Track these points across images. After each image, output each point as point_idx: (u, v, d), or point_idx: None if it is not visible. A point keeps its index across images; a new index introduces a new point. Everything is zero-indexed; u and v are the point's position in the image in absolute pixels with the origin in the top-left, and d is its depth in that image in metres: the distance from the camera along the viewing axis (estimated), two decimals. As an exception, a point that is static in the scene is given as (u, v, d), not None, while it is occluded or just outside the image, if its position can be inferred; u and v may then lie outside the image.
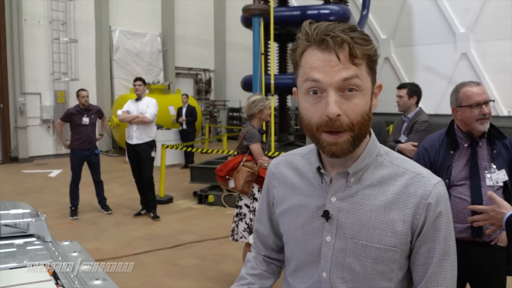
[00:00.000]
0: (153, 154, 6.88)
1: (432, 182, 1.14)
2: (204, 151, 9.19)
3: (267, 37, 9.01)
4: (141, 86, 6.82)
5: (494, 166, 2.48)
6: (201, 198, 7.84)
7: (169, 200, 7.97)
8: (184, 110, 11.82)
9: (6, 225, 2.18)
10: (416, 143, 4.04)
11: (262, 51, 7.99)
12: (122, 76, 15.51)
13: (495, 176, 2.46)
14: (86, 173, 7.10)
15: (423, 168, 1.20)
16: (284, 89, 11.37)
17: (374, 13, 16.88)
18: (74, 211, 6.95)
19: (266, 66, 9.80)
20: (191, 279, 4.58)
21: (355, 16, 13.70)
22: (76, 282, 1.72)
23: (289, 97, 13.89)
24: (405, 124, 4.40)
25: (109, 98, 15.18)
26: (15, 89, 12.98)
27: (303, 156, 1.32)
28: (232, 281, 4.43)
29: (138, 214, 7.02)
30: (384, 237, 1.13)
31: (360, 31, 1.09)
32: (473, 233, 2.47)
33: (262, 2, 8.63)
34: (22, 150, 13.16)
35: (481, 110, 2.45)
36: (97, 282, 1.75)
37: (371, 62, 1.10)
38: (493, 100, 2.53)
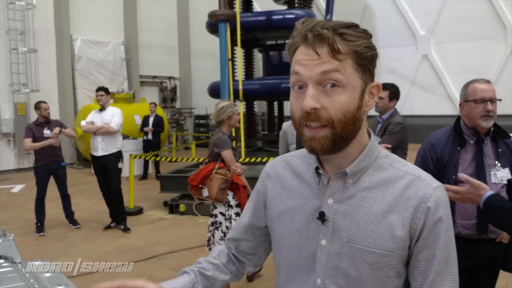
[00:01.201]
0: (120, 165, 6.70)
1: (433, 186, 1.10)
2: (173, 159, 9.05)
3: (233, 43, 8.97)
4: (103, 96, 6.63)
5: (499, 164, 2.50)
6: (172, 207, 7.70)
7: (139, 211, 7.79)
8: (151, 120, 11.53)
9: (-30, 247, 2.04)
10: (389, 145, 4.04)
11: (230, 57, 7.95)
12: (85, 86, 15.15)
13: (500, 174, 2.48)
14: (51, 187, 6.85)
15: (424, 172, 1.16)
16: (251, 95, 11.37)
17: (337, 17, 17.05)
18: (40, 227, 6.68)
19: (234, 72, 9.76)
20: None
21: (319, 21, 13.83)
22: (51, 306, 1.62)
23: (256, 102, 13.90)
24: (379, 125, 4.39)
25: (72, 108, 14.79)
26: (-28, 102, 12.49)
27: (302, 157, 1.27)
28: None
29: (108, 227, 6.82)
30: (382, 242, 1.08)
31: (360, 29, 1.07)
32: (479, 230, 2.48)
33: (227, 8, 8.58)
34: (-19, 166, 12.66)
35: (485, 107, 2.46)
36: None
37: (360, 58, 1.05)
38: (500, 99, 2.53)
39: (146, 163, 11.46)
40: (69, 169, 9.69)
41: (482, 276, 2.62)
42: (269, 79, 11.88)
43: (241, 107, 8.05)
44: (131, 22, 16.88)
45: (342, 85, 1.03)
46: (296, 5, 11.77)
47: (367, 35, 1.08)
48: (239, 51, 8.79)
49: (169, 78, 19.10)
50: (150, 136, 11.41)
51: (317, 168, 1.16)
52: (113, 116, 6.63)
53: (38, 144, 6.54)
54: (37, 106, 6.83)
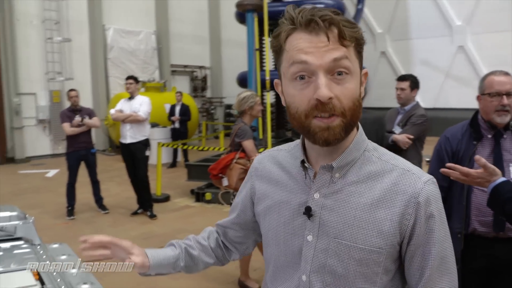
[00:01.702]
0: (147, 153, 6.83)
1: (422, 180, 1.07)
2: (200, 148, 9.14)
3: (261, 33, 8.96)
4: (132, 85, 6.75)
5: None
6: (198, 196, 7.81)
7: (166, 198, 7.93)
8: (177, 109, 11.70)
9: (-8, 228, 2.14)
10: (411, 136, 4.00)
11: (257, 46, 7.95)
12: (117, 74, 15.43)
13: None
14: (83, 172, 7.05)
15: (413, 165, 1.13)
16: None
17: (370, 7, 16.84)
18: (70, 211, 6.91)
19: (261, 62, 9.75)
20: (189, 278, 4.54)
21: (350, 10, 13.64)
22: (63, 287, 1.68)
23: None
24: (400, 116, 4.35)
25: (104, 97, 15.11)
26: (10, 89, 12.91)
27: (289, 151, 1.25)
28: (230, 281, 4.41)
29: (135, 213, 6.99)
30: (370, 238, 1.05)
31: (344, 16, 1.03)
32: (495, 227, 2.35)
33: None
34: (19, 151, 13.10)
35: (501, 101, 2.34)
36: (85, 286, 1.71)
37: (359, 45, 1.04)
38: None
39: (175, 152, 11.63)
40: (101, 156, 9.94)
41: (501, 278, 2.45)
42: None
43: (268, 97, 8.06)
44: (162, 12, 17.04)
45: (350, 72, 1.01)
46: (326, -6, 11.63)
47: (354, 22, 1.05)
48: (267, 41, 8.77)
49: (200, 67, 19.24)
50: (177, 125, 11.58)
51: (302, 162, 1.14)
52: (141, 104, 6.75)
53: (78, 129, 6.75)
54: (67, 94, 7.07)
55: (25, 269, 1.86)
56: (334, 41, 0.99)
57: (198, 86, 19.22)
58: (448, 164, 2.17)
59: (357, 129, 1.13)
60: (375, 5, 17.14)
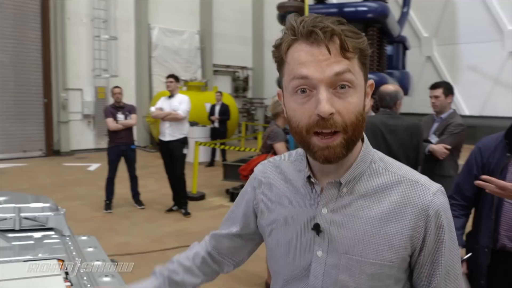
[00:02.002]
0: (185, 151, 6.94)
1: (431, 191, 1.05)
2: (238, 148, 9.20)
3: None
4: (172, 83, 6.88)
5: None
6: (233, 195, 7.87)
7: (201, 197, 8.03)
8: (217, 108, 11.83)
9: (26, 218, 2.23)
10: (449, 146, 3.91)
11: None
12: (160, 73, 15.75)
13: None
14: (123, 168, 7.24)
15: (421, 175, 1.10)
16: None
17: (416, 10, 16.51)
18: (108, 205, 7.10)
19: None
20: (217, 278, 4.59)
21: (395, 14, 13.40)
22: (85, 278, 1.74)
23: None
24: (436, 124, 4.25)
25: (147, 94, 15.45)
26: (58, 85, 13.43)
27: (292, 162, 1.22)
28: (257, 282, 4.41)
29: (170, 210, 7.11)
30: (381, 252, 1.04)
31: (349, 25, 0.99)
32: None
33: (297, 0, 8.56)
34: (64, 144, 13.60)
35: None
36: (106, 279, 1.76)
37: (363, 56, 1.00)
38: None
39: (213, 151, 11.75)
40: (141, 152, 10.16)
41: None
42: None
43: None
44: (206, 12, 17.28)
45: (353, 85, 0.97)
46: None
47: (359, 31, 1.01)
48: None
49: (242, 68, 19.37)
50: (216, 124, 11.70)
51: (309, 177, 1.11)
52: (181, 103, 6.86)
53: (120, 126, 6.96)
54: (111, 91, 7.28)
55: (52, 259, 1.93)
56: (336, 54, 0.95)
57: (240, 87, 19.35)
58: (484, 177, 2.09)
59: (362, 140, 1.10)
60: (421, 8, 16.79)
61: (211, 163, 11.73)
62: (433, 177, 3.83)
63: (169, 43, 16.16)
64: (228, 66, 18.73)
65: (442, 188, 1.08)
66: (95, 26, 14.19)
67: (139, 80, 15.35)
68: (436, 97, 4.20)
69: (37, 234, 2.22)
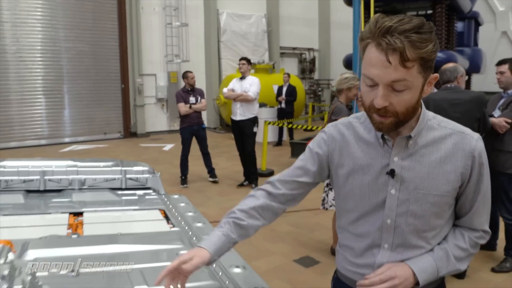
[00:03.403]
0: (255, 129, 7.34)
1: (475, 138, 1.41)
2: (305, 127, 9.47)
3: (368, 16, 9.00)
4: (244, 65, 7.28)
5: None
6: (300, 172, 8.18)
7: (270, 173, 8.42)
8: (284, 89, 12.14)
9: (130, 178, 2.69)
10: (509, 120, 4.00)
11: (362, 30, 8.03)
12: (229, 57, 16.24)
13: None
14: (195, 148, 7.77)
15: (464, 127, 1.45)
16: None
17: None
18: (184, 180, 7.68)
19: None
20: (285, 243, 4.97)
21: (466, -11, 12.99)
22: (183, 223, 2.15)
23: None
24: (502, 100, 4.31)
25: (217, 78, 16.01)
26: (134, 71, 14.30)
27: (362, 123, 1.51)
28: (323, 248, 4.76)
29: (241, 185, 7.58)
30: (440, 186, 1.39)
31: (427, 28, 1.22)
32: None
33: (363, -20, 8.62)
34: (140, 126, 14.51)
35: None
36: (199, 224, 2.17)
37: (425, 62, 1.24)
38: None
39: (280, 131, 12.11)
40: (211, 133, 10.69)
41: None
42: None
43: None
44: (273, -5, 17.50)
45: (408, 87, 1.25)
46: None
47: (431, 35, 1.23)
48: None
49: (308, 49, 19.47)
50: (283, 105, 12.02)
51: (382, 135, 1.42)
52: (251, 84, 7.26)
53: (190, 110, 7.52)
54: (185, 75, 7.81)
55: (155, 209, 2.37)
56: (396, 64, 1.21)
57: (306, 68, 19.49)
58: None
59: (421, 107, 1.41)
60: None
61: (279, 143, 12.10)
62: (492, 152, 3.93)
63: (237, 27, 16.59)
64: (294, 48, 18.90)
65: (480, 136, 1.44)
66: (166, 14, 14.87)
67: (208, 64, 15.94)
68: (502, 73, 4.26)
69: (139, 192, 2.69)
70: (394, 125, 1.33)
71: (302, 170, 1.59)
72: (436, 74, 1.36)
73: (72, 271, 1.47)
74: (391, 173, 1.41)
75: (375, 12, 8.25)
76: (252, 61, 14.35)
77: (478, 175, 1.43)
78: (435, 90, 4.58)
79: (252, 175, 7.47)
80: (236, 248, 1.58)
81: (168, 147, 12.23)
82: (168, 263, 1.60)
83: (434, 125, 1.43)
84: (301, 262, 4.49)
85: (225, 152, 10.79)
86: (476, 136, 1.43)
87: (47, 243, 1.70)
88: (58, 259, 1.54)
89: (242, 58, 7.41)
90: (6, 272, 0.97)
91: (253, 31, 17.06)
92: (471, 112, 3.88)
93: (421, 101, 1.40)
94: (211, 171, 7.94)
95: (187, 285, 1.36)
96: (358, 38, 1.32)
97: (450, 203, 1.45)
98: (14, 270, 1.03)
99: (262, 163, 8.43)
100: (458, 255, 1.47)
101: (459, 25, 12.32)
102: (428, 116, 1.44)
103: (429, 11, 11.49)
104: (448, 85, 4.03)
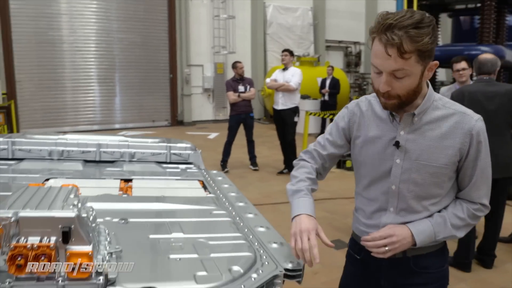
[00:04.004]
0: (296, 119, 7.57)
1: (474, 119, 1.59)
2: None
3: (419, 8, 8.98)
4: (287, 57, 7.52)
5: None
6: (339, 163, 8.33)
7: (309, 163, 8.60)
8: (328, 82, 12.28)
9: (174, 153, 2.99)
10: None
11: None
12: (274, 49, 16.46)
13: None
14: (240, 136, 8.09)
15: (466, 108, 1.63)
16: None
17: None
18: (224, 165, 8.03)
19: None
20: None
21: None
22: (218, 192, 2.41)
23: (438, 70, 13.45)
24: None
25: (262, 69, 16.29)
26: (182, 61, 14.80)
27: (376, 99, 1.72)
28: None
29: (281, 173, 7.83)
30: (439, 158, 1.58)
31: (426, 23, 1.40)
32: None
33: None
34: (187, 115, 15.02)
35: None
36: (232, 194, 2.42)
37: (422, 52, 1.43)
38: None
39: (323, 122, 12.26)
40: (256, 124, 10.94)
41: None
42: (451, 46, 11.46)
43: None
44: (320, -12, 17.55)
45: (407, 74, 1.46)
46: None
47: (429, 29, 1.41)
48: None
49: (354, 43, 19.41)
50: (326, 97, 12.15)
51: (391, 112, 1.64)
52: (293, 75, 7.49)
53: (240, 99, 7.85)
54: (234, 65, 8.17)
55: (194, 180, 2.65)
56: (395, 56, 1.41)
57: (352, 62, 19.46)
58: None
59: (428, 86, 1.61)
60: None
61: (321, 134, 12.23)
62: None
63: (283, 20, 16.78)
64: (340, 42, 18.90)
65: (481, 117, 1.61)
66: (214, 6, 15.27)
67: (254, 56, 16.23)
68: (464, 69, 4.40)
69: (182, 166, 2.98)
70: (397, 105, 1.55)
71: (330, 143, 1.86)
72: (436, 62, 1.54)
73: (122, 220, 1.77)
74: (397, 144, 1.62)
75: (419, 6, 8.26)
76: (297, 54, 14.57)
77: (476, 152, 1.59)
78: (471, 82, 4.65)
79: (291, 162, 7.67)
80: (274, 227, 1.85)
81: (213, 135, 12.62)
82: (201, 219, 1.89)
83: (439, 105, 1.62)
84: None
85: (267, 142, 11.06)
86: (477, 117, 1.59)
87: (102, 199, 2.02)
88: (111, 211, 1.84)
89: (285, 50, 7.65)
90: (75, 202, 1.25)
91: (299, 24, 17.20)
92: (506, 105, 3.94)
93: (429, 83, 1.62)
94: (253, 159, 8.23)
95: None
96: (369, 30, 1.52)
97: (449, 175, 1.62)
98: (80, 202, 1.31)
99: (302, 152, 8.62)
100: (456, 223, 1.66)
101: (510, 19, 11.99)
102: (434, 97, 1.63)
103: (479, 4, 11.26)
104: (484, 77, 4.07)
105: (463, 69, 4.69)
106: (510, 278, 4.06)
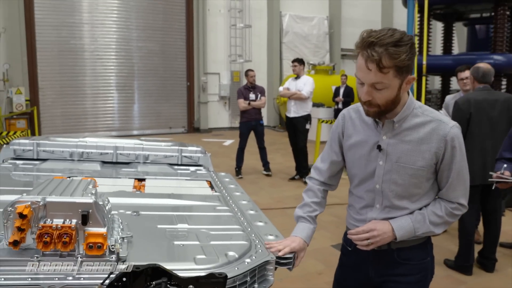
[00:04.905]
0: (307, 126, 7.76)
1: (450, 126, 1.75)
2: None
3: (422, 18, 9.10)
4: (297, 67, 7.72)
5: None
6: (350, 170, 8.47)
7: (321, 170, 8.75)
8: (341, 90, 12.40)
9: (185, 156, 3.21)
10: None
11: (416, 32, 8.21)
12: (290, 57, 16.41)
13: None
14: (252, 143, 8.29)
15: (444, 116, 1.80)
16: (444, 70, 11.22)
17: None
18: (238, 171, 8.23)
19: (420, 47, 9.88)
20: (327, 230, 5.35)
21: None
22: (224, 191, 2.61)
23: (453, 78, 13.48)
24: None
25: (278, 77, 16.51)
26: (199, 69, 15.12)
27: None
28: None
29: (292, 179, 8.00)
30: (417, 161, 1.75)
31: (405, 41, 1.57)
32: None
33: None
34: (203, 122, 15.31)
35: None
36: (237, 193, 2.62)
37: (400, 68, 1.59)
38: None
39: (336, 130, 12.35)
40: (270, 131, 11.17)
41: None
42: (464, 55, 11.54)
43: (423, 81, 8.24)
44: (335, -2, 17.73)
45: (386, 87, 1.63)
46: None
47: (407, 47, 1.57)
48: (425, 25, 8.90)
49: (370, 52, 19.46)
50: (340, 106, 12.27)
51: (374, 119, 1.83)
52: (305, 84, 7.68)
53: (250, 107, 8.08)
54: (246, 73, 8.44)
55: (203, 180, 2.86)
56: (374, 70, 1.59)
57: (367, 70, 19.50)
58: None
59: (408, 94, 1.79)
60: None
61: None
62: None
63: (299, 29, 16.99)
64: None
65: (458, 124, 1.78)
66: (231, 15, 15.59)
67: (270, 65, 16.48)
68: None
69: (192, 168, 3.20)
70: (377, 113, 1.73)
71: (329, 155, 2.06)
72: (414, 76, 1.73)
73: (134, 212, 1.99)
74: (379, 148, 1.81)
75: (433, 14, 8.38)
76: (312, 62, 14.76)
77: (451, 156, 1.75)
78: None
79: (303, 169, 7.87)
80: (280, 229, 2.06)
81: (228, 142, 12.85)
82: (205, 213, 2.09)
83: (418, 113, 1.78)
84: (337, 247, 4.85)
85: (281, 149, 11.23)
86: (452, 124, 1.74)
87: (117, 194, 2.24)
88: (125, 205, 2.06)
89: (294, 60, 7.84)
90: (93, 191, 1.47)
91: (315, 33, 17.39)
92: (505, 112, 4.11)
93: (410, 93, 1.80)
94: (266, 165, 8.43)
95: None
96: (355, 46, 1.68)
97: (427, 176, 1.79)
98: (97, 192, 1.53)
99: (314, 159, 8.78)
100: (434, 221, 1.83)
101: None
102: (414, 105, 1.80)
103: (493, 13, 11.35)
104: (483, 86, 4.23)
105: (467, 77, 4.83)
106: (511, 282, 4.17)
